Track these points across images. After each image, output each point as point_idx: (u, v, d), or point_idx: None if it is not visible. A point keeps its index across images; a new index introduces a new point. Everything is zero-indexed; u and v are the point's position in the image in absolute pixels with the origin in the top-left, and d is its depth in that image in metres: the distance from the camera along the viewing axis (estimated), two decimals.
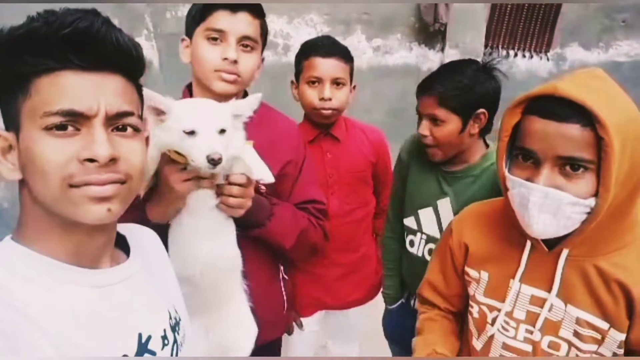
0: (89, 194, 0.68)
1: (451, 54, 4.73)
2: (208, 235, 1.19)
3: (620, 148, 0.84)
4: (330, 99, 1.68)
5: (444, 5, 4.44)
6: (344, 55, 1.74)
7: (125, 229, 0.90)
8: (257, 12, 1.31)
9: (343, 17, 4.83)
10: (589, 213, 0.90)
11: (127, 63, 0.74)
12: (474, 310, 1.16)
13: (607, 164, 0.85)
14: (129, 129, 0.74)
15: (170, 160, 1.11)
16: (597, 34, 4.88)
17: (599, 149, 0.85)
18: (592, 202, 0.89)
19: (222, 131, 1.08)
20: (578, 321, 0.99)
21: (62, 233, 0.72)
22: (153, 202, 1.17)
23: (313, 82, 1.70)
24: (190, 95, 1.36)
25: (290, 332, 1.80)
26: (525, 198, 0.93)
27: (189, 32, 1.33)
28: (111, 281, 0.78)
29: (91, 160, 0.67)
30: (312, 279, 1.84)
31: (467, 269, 1.18)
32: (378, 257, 1.98)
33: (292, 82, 1.81)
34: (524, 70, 5.01)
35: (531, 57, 4.98)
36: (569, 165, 0.88)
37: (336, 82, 1.70)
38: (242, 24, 1.27)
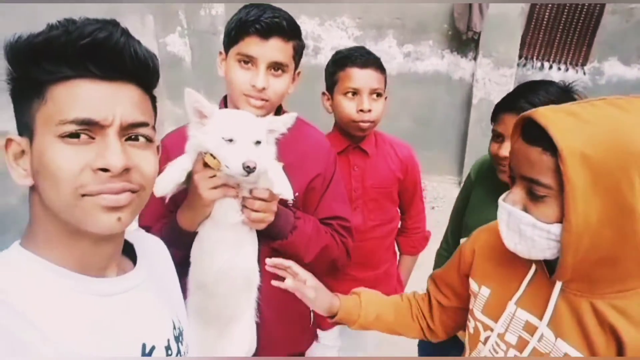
0: (102, 203, 0.68)
1: (484, 63, 4.66)
2: (229, 245, 1.23)
3: (585, 179, 0.82)
4: (370, 111, 1.66)
5: (478, 12, 4.36)
6: (379, 65, 1.72)
7: (133, 237, 0.91)
8: (290, 34, 1.30)
9: (375, 21, 4.81)
10: (558, 241, 0.89)
11: (144, 74, 0.74)
12: (471, 325, 1.16)
13: (566, 193, 0.84)
14: (142, 139, 0.74)
15: (202, 165, 1.14)
16: (637, 49, 4.72)
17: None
18: (552, 228, 0.88)
19: (258, 142, 1.13)
20: (566, 357, 0.96)
21: (69, 241, 0.72)
22: (183, 208, 1.22)
23: (351, 94, 1.67)
24: (225, 107, 1.39)
25: None
26: (499, 215, 1.00)
27: (225, 48, 1.35)
28: (117, 290, 0.78)
29: (104, 170, 0.68)
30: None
31: (470, 278, 1.18)
32: (399, 276, 1.95)
33: (323, 93, 1.78)
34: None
35: (567, 69, 4.85)
36: (533, 186, 0.90)
37: (374, 93, 1.68)
38: (272, 51, 1.27)
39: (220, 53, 1.37)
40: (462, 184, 1.82)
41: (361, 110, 1.65)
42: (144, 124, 0.74)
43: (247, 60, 1.28)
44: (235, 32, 1.28)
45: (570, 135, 0.83)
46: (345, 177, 1.70)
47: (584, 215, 0.84)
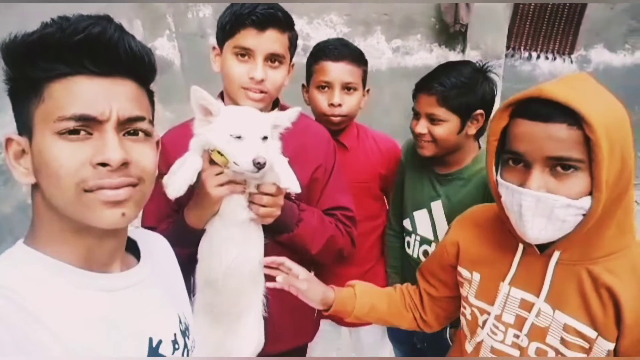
0: (103, 198, 0.69)
1: (472, 55, 4.67)
2: (237, 241, 1.24)
3: (608, 148, 0.84)
4: (340, 105, 1.64)
5: (464, 5, 4.38)
6: (356, 58, 1.68)
7: (136, 234, 0.92)
8: (285, 26, 1.31)
9: (363, 17, 4.82)
10: (584, 215, 0.90)
11: (140, 69, 0.75)
12: (467, 312, 1.17)
13: (597, 164, 0.85)
14: (140, 134, 0.75)
15: (209, 163, 1.15)
16: (622, 36, 4.76)
17: (589, 149, 0.85)
18: (585, 202, 0.89)
19: (265, 138, 1.14)
20: (565, 328, 0.98)
21: (73, 237, 0.73)
22: (190, 206, 1.23)
23: (323, 87, 1.66)
24: (223, 102, 1.38)
25: None
26: (518, 204, 0.93)
27: (220, 43, 1.34)
28: (122, 285, 0.79)
29: (104, 165, 0.68)
30: None
31: (459, 268, 1.19)
32: (386, 276, 1.92)
33: (302, 85, 1.78)
34: (546, 72, 4.91)
35: (554, 59, 4.88)
36: (559, 165, 0.88)
37: (347, 87, 1.65)
38: (269, 42, 1.27)
39: (214, 48, 1.37)
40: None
41: (331, 104, 1.64)
42: (141, 118, 0.74)
43: (244, 53, 1.28)
44: (230, 26, 1.28)
45: (591, 107, 0.85)
46: None
47: (607, 181, 0.86)
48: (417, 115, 1.57)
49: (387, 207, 1.92)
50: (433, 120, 1.50)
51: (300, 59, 5.19)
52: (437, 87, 1.49)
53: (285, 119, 1.21)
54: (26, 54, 0.68)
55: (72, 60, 0.68)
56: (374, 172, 1.79)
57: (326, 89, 1.66)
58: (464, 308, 1.19)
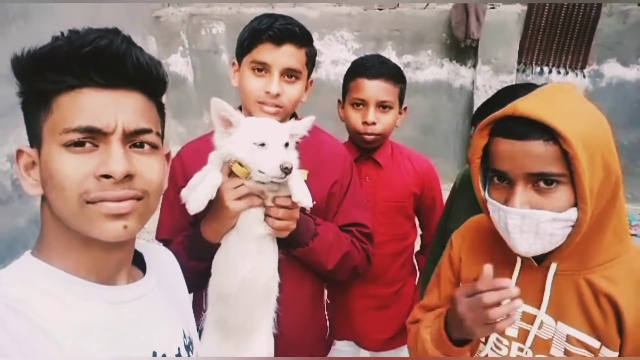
0: (104, 210, 0.69)
1: (483, 70, 4.68)
2: (253, 256, 1.23)
3: (587, 158, 0.85)
4: (374, 123, 1.62)
5: (475, 20, 4.40)
6: (393, 76, 1.65)
7: (143, 247, 0.91)
8: (303, 41, 1.32)
9: (373, 33, 4.86)
10: (572, 226, 0.90)
11: (147, 81, 0.75)
12: None
13: (578, 176, 0.85)
14: (146, 146, 0.75)
15: (229, 176, 1.16)
16: (635, 50, 4.73)
17: (569, 162, 0.86)
18: (572, 214, 0.89)
19: (286, 145, 1.16)
20: (569, 339, 0.97)
21: (80, 249, 0.73)
22: (207, 220, 1.22)
23: (358, 105, 1.64)
24: None
25: None
26: (504, 222, 0.94)
27: (238, 58, 1.36)
28: (127, 298, 0.79)
29: (107, 177, 0.68)
30: (341, 307, 1.75)
31: (461, 285, 1.16)
32: (416, 297, 1.84)
33: (338, 101, 1.76)
34: None
35: (566, 73, 4.85)
36: (541, 180, 0.89)
37: (382, 106, 1.63)
38: (285, 57, 1.29)
39: (234, 64, 1.39)
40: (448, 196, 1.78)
41: (365, 123, 1.62)
42: (147, 131, 0.74)
43: (261, 67, 1.30)
44: (248, 41, 1.30)
45: (565, 121, 0.86)
46: None
47: (590, 191, 0.86)
48: None
49: (418, 229, 1.88)
50: None
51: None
52: None
53: (301, 127, 1.22)
54: (35, 67, 0.69)
55: (79, 72, 0.69)
56: (408, 191, 1.75)
57: (361, 106, 1.64)
58: None
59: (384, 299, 1.78)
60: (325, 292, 1.53)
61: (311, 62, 1.38)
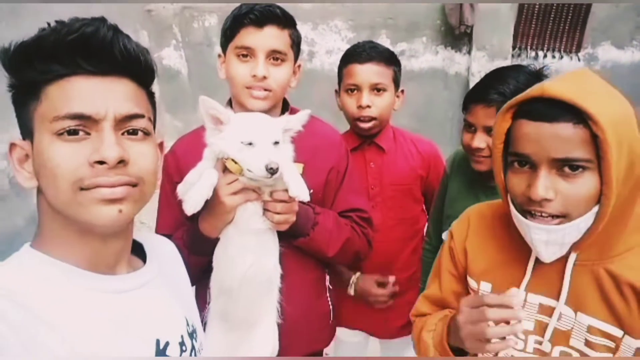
0: (99, 196, 0.69)
1: (478, 57, 4.66)
2: (253, 249, 1.24)
3: (616, 144, 0.82)
4: (368, 106, 1.61)
5: (469, 7, 4.37)
6: (384, 58, 1.65)
7: (142, 236, 0.92)
8: (285, 22, 1.32)
9: (367, 22, 4.82)
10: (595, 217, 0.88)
11: (136, 68, 0.75)
12: None
13: (607, 162, 0.83)
14: (140, 133, 0.75)
15: (223, 171, 1.16)
16: (629, 33, 4.72)
17: (596, 148, 0.83)
18: (594, 211, 0.87)
19: (276, 143, 1.15)
20: (589, 329, 0.95)
21: (78, 240, 0.74)
22: (204, 215, 1.22)
23: (352, 90, 1.65)
24: (231, 108, 1.39)
25: None
26: (529, 235, 0.92)
27: (223, 49, 1.36)
28: (128, 287, 0.79)
29: (100, 163, 0.69)
30: (355, 294, 1.75)
31: (468, 277, 1.14)
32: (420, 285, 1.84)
33: (335, 91, 1.76)
34: (553, 71, 4.87)
35: (561, 57, 4.84)
36: (566, 166, 0.86)
37: (376, 88, 1.63)
38: (269, 38, 1.28)
39: (220, 56, 1.39)
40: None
41: (360, 107, 1.62)
42: (138, 116, 0.74)
43: (246, 52, 1.29)
44: (230, 28, 1.30)
45: (596, 104, 0.83)
46: (362, 174, 1.67)
47: (617, 179, 0.84)
48: (471, 128, 1.48)
49: (426, 214, 1.88)
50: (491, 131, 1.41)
51: (305, 64, 5.19)
52: (497, 97, 1.38)
53: (296, 122, 1.22)
54: (23, 58, 0.69)
55: (66, 60, 0.69)
56: (414, 174, 1.76)
57: (355, 91, 1.65)
58: None
59: (398, 284, 1.78)
60: (327, 277, 1.53)
61: (296, 44, 1.37)
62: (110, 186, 0.70)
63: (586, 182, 0.86)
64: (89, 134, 0.70)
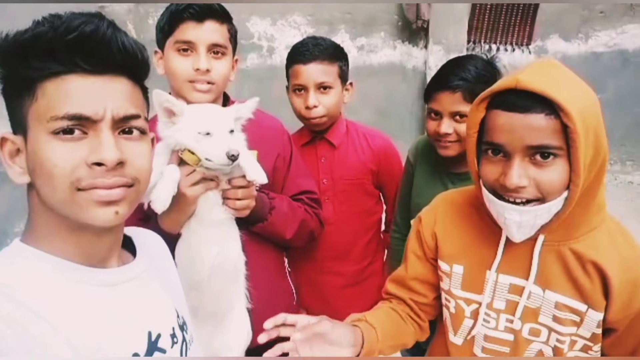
0: (95, 197, 0.69)
1: (435, 50, 4.77)
2: (216, 240, 1.24)
3: (584, 133, 0.87)
4: (315, 106, 1.63)
5: (425, 1, 4.47)
6: (329, 55, 1.65)
7: (131, 230, 0.91)
8: (223, 17, 1.33)
9: (326, 17, 4.85)
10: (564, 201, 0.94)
11: (133, 66, 0.74)
12: (451, 305, 1.15)
13: (576, 150, 0.88)
14: (136, 132, 0.74)
15: (178, 165, 1.15)
16: (576, 26, 4.94)
17: (566, 136, 0.88)
18: (563, 196, 0.92)
19: (232, 131, 1.17)
20: (557, 305, 1.01)
21: (70, 234, 0.73)
22: (165, 212, 1.20)
23: (299, 90, 1.65)
24: None
25: None
26: (501, 215, 0.96)
27: (160, 45, 1.35)
28: (120, 280, 0.78)
29: (99, 164, 0.68)
30: (311, 286, 1.78)
31: (439, 262, 1.17)
32: (386, 273, 1.86)
33: (286, 87, 1.76)
34: (506, 64, 5.05)
35: (513, 50, 5.03)
36: (538, 154, 0.90)
37: (322, 87, 1.63)
38: (209, 32, 1.29)
39: (156, 52, 1.37)
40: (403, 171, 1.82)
41: (307, 107, 1.63)
42: (136, 116, 0.73)
43: (186, 47, 1.29)
44: (169, 24, 1.30)
45: (566, 95, 0.87)
46: (313, 168, 1.70)
47: (584, 165, 0.89)
48: (437, 116, 1.50)
49: (384, 205, 1.91)
50: (461, 117, 1.44)
51: (265, 60, 5.15)
52: (461, 83, 1.42)
53: (246, 110, 1.24)
54: (18, 53, 0.67)
55: (64, 59, 0.67)
56: (365, 168, 1.77)
57: (302, 91, 1.65)
58: (448, 301, 1.17)
59: (353, 275, 1.81)
60: (285, 260, 1.57)
61: (234, 39, 1.39)
62: (107, 188, 0.69)
63: (557, 169, 0.91)
64: (85, 133, 0.69)
